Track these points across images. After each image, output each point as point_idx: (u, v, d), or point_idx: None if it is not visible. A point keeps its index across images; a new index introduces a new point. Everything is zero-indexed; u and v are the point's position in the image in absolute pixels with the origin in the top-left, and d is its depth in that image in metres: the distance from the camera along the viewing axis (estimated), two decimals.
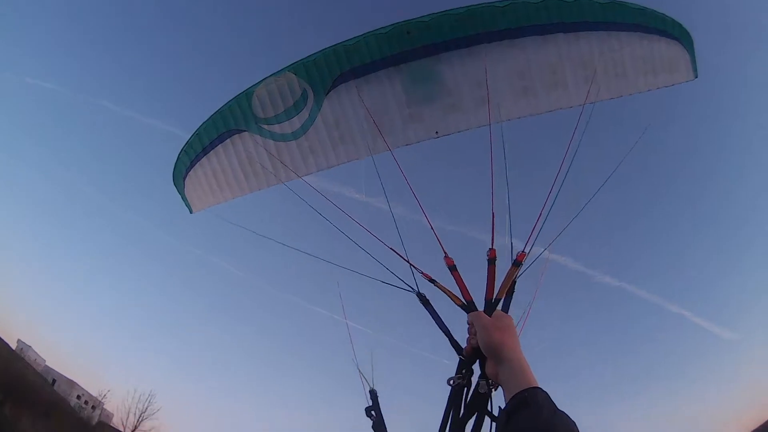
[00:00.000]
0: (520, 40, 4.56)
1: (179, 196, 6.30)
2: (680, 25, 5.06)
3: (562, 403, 1.75)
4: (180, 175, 6.02)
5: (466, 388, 2.54)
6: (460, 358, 2.63)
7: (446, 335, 2.87)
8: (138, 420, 55.52)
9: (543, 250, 3.29)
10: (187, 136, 5.56)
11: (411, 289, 3.25)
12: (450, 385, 2.57)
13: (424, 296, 3.16)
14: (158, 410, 56.45)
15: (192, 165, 5.83)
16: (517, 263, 2.97)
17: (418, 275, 3.25)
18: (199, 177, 5.92)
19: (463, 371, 2.56)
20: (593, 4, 4.58)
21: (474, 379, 2.53)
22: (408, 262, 3.35)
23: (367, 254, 3.67)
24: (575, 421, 1.68)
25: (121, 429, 55.99)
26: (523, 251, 3.05)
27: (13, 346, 52.15)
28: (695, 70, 5.27)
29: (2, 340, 48.70)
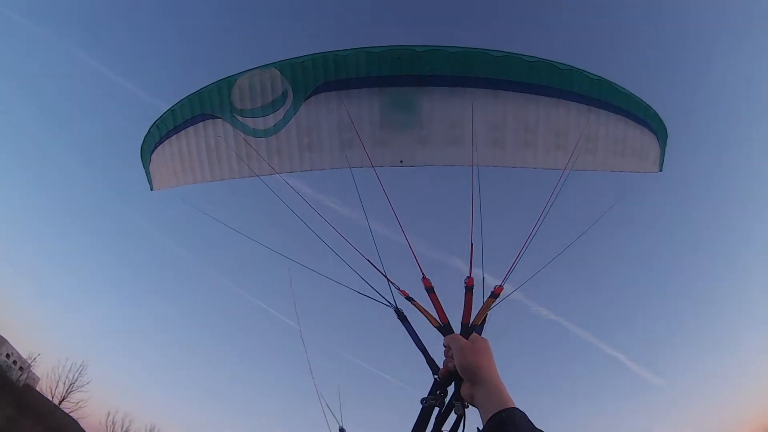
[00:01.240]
0: (504, 92, 4.61)
1: (143, 170, 6.15)
2: (660, 120, 5.21)
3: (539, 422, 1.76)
4: (148, 149, 5.87)
5: (437, 408, 2.53)
6: (434, 379, 2.64)
7: (422, 353, 2.87)
8: (67, 390, 52.74)
9: (514, 289, 3.46)
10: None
11: (389, 304, 3.23)
12: (422, 404, 2.55)
13: (402, 312, 3.14)
14: (88, 383, 53.53)
15: (161, 141, 5.70)
16: (494, 295, 3.07)
17: (395, 291, 3.23)
18: (165, 155, 5.78)
19: (437, 392, 2.56)
20: (584, 77, 4.68)
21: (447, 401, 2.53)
22: (385, 276, 3.32)
23: (343, 262, 3.64)
24: None
25: (49, 396, 53.19)
26: (500, 285, 3.15)
27: None
28: (662, 164, 5.40)
29: None
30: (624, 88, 4.80)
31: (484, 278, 3.22)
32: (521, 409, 1.83)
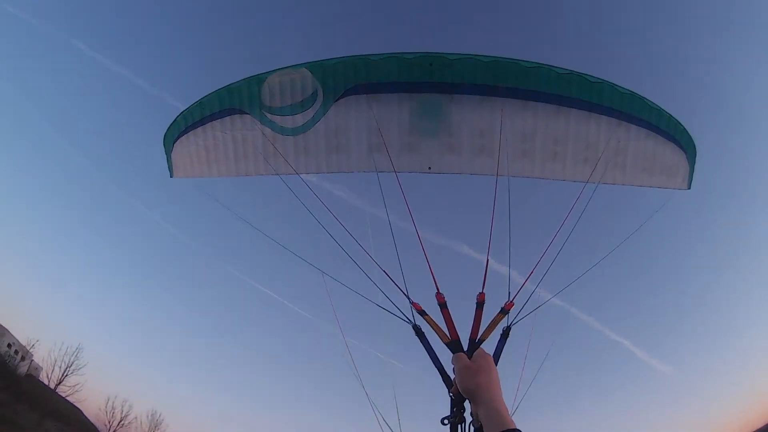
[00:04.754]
0: (534, 104, 4.60)
1: (165, 157, 6.21)
2: (690, 137, 5.13)
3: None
4: (172, 136, 5.93)
5: (461, 425, 2.58)
6: (450, 396, 2.67)
7: (438, 370, 2.89)
8: (63, 374, 53.83)
9: (530, 308, 3.40)
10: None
11: (407, 320, 3.26)
12: (443, 424, 2.60)
13: (420, 329, 3.16)
14: (85, 365, 54.88)
15: (186, 131, 5.75)
16: (504, 311, 3.12)
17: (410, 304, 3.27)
18: (190, 145, 5.83)
19: (454, 409, 2.61)
20: (614, 91, 4.63)
21: (467, 416, 2.55)
22: (406, 295, 3.34)
23: (364, 275, 3.70)
24: None
25: (45, 380, 53.99)
26: (511, 301, 3.18)
27: None
28: (690, 182, 5.34)
29: None
30: (654, 103, 4.75)
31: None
32: (521, 429, 1.82)
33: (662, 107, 4.85)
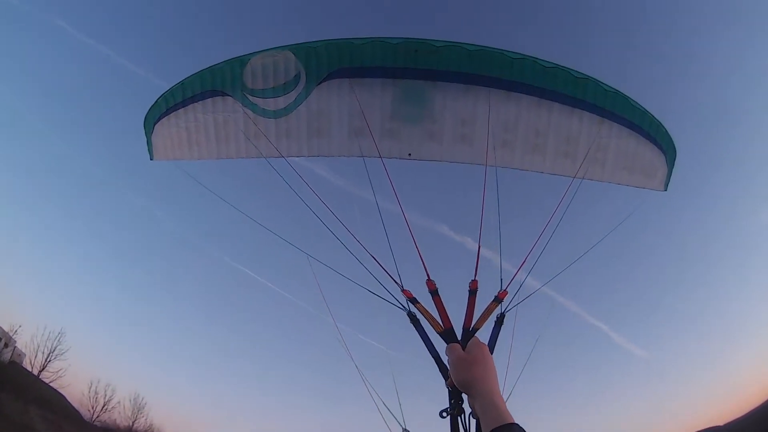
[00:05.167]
0: (517, 95, 4.59)
1: (145, 138, 6.10)
2: (671, 139, 5.17)
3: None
4: (152, 118, 5.82)
5: (460, 416, 2.51)
6: (447, 388, 2.60)
7: (435, 360, 2.81)
8: (46, 360, 52.24)
9: (522, 296, 3.36)
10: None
11: (402, 307, 3.17)
12: (442, 416, 2.53)
13: (415, 316, 3.07)
14: (68, 350, 53.21)
15: (167, 112, 5.65)
16: (498, 299, 3.07)
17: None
18: (171, 127, 5.73)
19: (452, 401, 2.54)
20: (598, 88, 4.64)
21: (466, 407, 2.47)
22: (398, 283, 3.26)
23: (354, 260, 3.60)
24: None
25: (28, 366, 52.30)
26: (504, 290, 3.15)
27: None
28: (667, 184, 5.37)
29: None
30: (638, 103, 4.77)
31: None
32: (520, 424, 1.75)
33: (646, 108, 4.88)
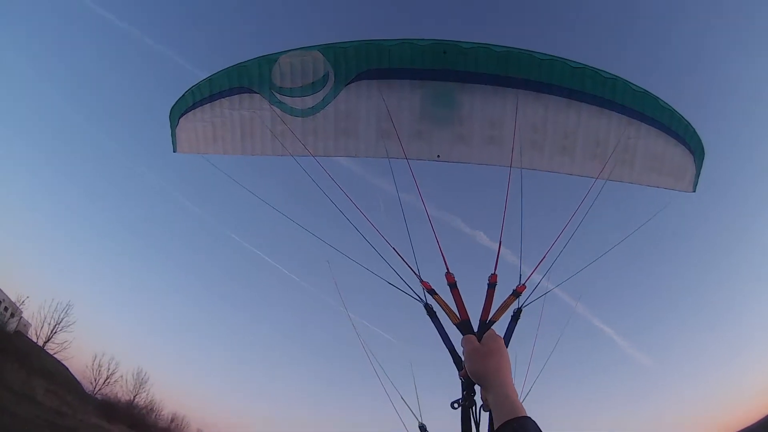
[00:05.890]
0: (546, 96, 4.58)
1: (169, 131, 6.19)
2: (699, 140, 5.10)
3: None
4: (179, 111, 5.90)
5: (472, 408, 2.57)
6: (460, 379, 2.65)
7: (449, 351, 2.87)
8: (52, 331, 53.53)
9: (540, 293, 3.39)
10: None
11: (419, 299, 3.24)
12: (453, 408, 2.58)
13: (431, 308, 3.14)
14: (74, 323, 54.66)
15: (194, 106, 5.72)
16: (516, 293, 3.12)
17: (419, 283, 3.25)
18: (196, 120, 5.81)
19: (464, 392, 2.58)
20: (627, 88, 4.60)
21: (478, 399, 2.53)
22: (417, 275, 3.31)
23: (374, 252, 3.64)
24: None
25: (34, 337, 53.70)
26: (523, 284, 3.18)
27: None
28: (695, 185, 5.33)
29: None
30: (667, 104, 4.72)
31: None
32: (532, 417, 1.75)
33: (675, 108, 4.83)
